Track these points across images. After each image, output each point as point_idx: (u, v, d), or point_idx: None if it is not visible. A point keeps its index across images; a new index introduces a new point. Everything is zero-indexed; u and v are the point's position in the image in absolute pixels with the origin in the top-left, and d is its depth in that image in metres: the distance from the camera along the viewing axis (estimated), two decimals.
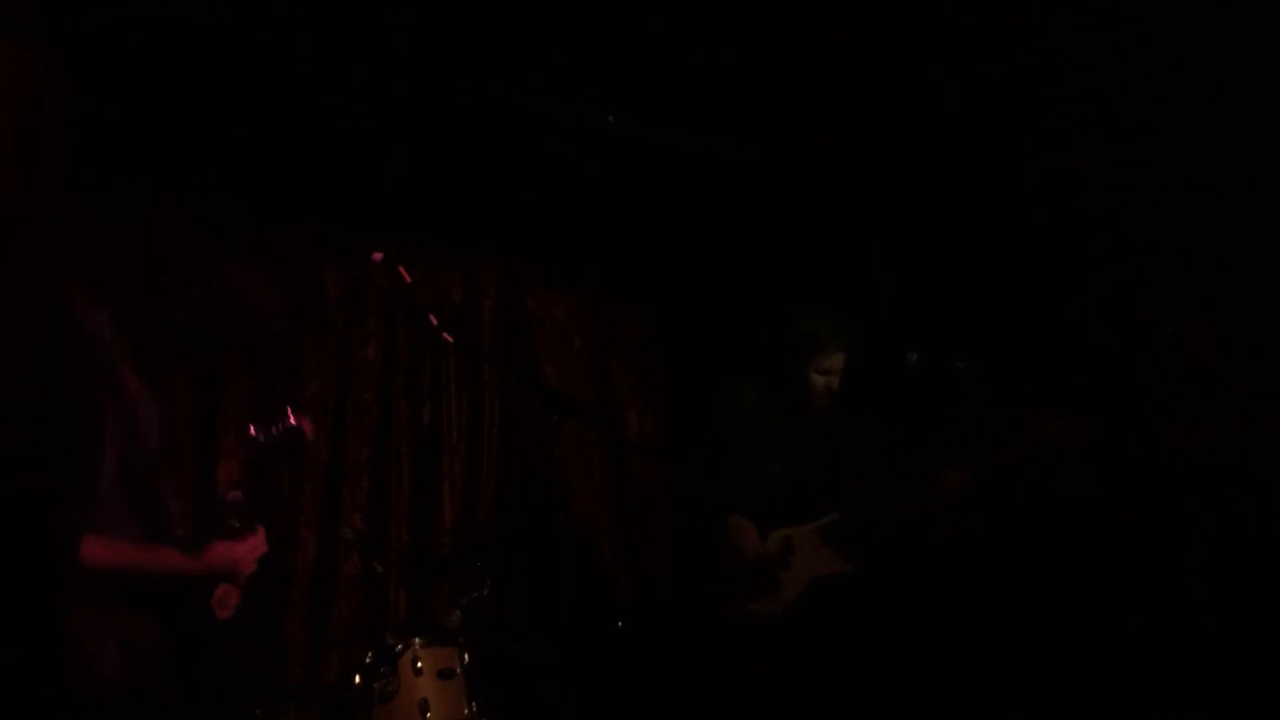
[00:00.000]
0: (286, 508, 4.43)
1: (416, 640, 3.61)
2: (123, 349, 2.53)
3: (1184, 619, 3.75)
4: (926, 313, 4.65)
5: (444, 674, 3.59)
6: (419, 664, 3.56)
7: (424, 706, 3.50)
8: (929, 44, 4.10)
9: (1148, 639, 3.81)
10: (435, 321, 3.47)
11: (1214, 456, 3.79)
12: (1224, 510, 3.75)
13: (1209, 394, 3.82)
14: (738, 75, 4.27)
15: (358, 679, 3.58)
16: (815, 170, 4.87)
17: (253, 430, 2.85)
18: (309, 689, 4.16)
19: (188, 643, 2.48)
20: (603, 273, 5.37)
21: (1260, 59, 3.68)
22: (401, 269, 2.91)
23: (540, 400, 2.97)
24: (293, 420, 2.85)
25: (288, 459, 4.43)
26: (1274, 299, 3.68)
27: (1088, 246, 4.23)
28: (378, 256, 2.85)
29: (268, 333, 4.30)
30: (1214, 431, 3.80)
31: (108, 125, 3.69)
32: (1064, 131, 4.25)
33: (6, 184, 3.10)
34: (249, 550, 2.57)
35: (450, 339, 4.43)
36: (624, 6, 3.87)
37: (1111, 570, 4.00)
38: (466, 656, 3.65)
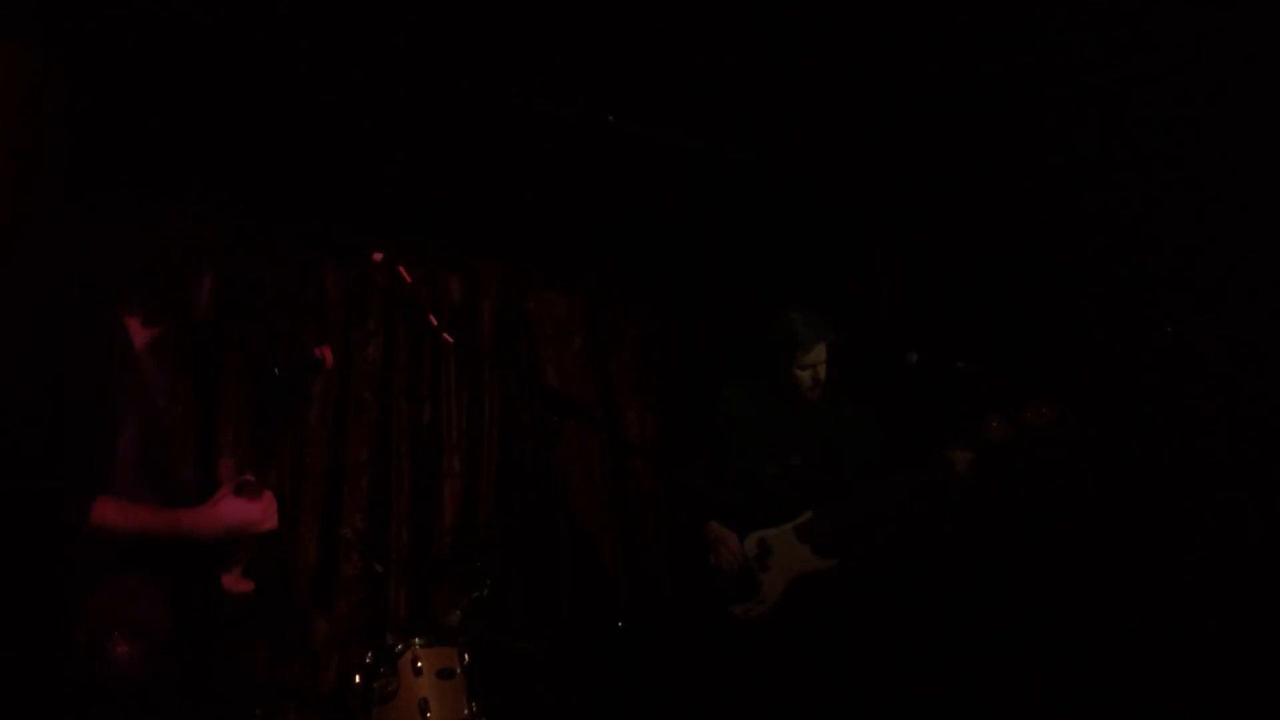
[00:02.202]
0: (286, 508, 4.43)
1: (416, 640, 3.61)
2: (136, 332, 2.54)
3: (1184, 619, 3.75)
4: (926, 313, 4.65)
5: (444, 674, 3.58)
6: (419, 664, 3.55)
7: (424, 706, 3.50)
8: (929, 44, 4.09)
9: (1148, 639, 3.81)
10: (435, 321, 3.47)
11: (1214, 456, 3.78)
12: (1224, 510, 3.75)
13: (1209, 394, 3.82)
14: (738, 75, 4.27)
15: (358, 679, 3.58)
16: (815, 170, 4.87)
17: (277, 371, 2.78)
18: (309, 689, 4.16)
19: (198, 626, 2.46)
20: (603, 273, 5.37)
21: (1260, 59, 3.68)
22: (401, 269, 2.90)
23: (540, 400, 2.97)
24: (316, 352, 2.78)
25: (309, 395, 4.41)
26: (1274, 299, 3.68)
27: (1088, 246, 4.23)
28: (378, 256, 2.84)
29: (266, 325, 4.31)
30: (1214, 431, 3.80)
31: (108, 125, 3.69)
32: (1064, 131, 4.25)
33: (6, 183, 3.09)
34: (264, 509, 2.50)
35: (450, 339, 4.41)
36: (624, 6, 3.87)
37: (1111, 570, 4.00)
38: (466, 656, 3.65)
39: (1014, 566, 4.23)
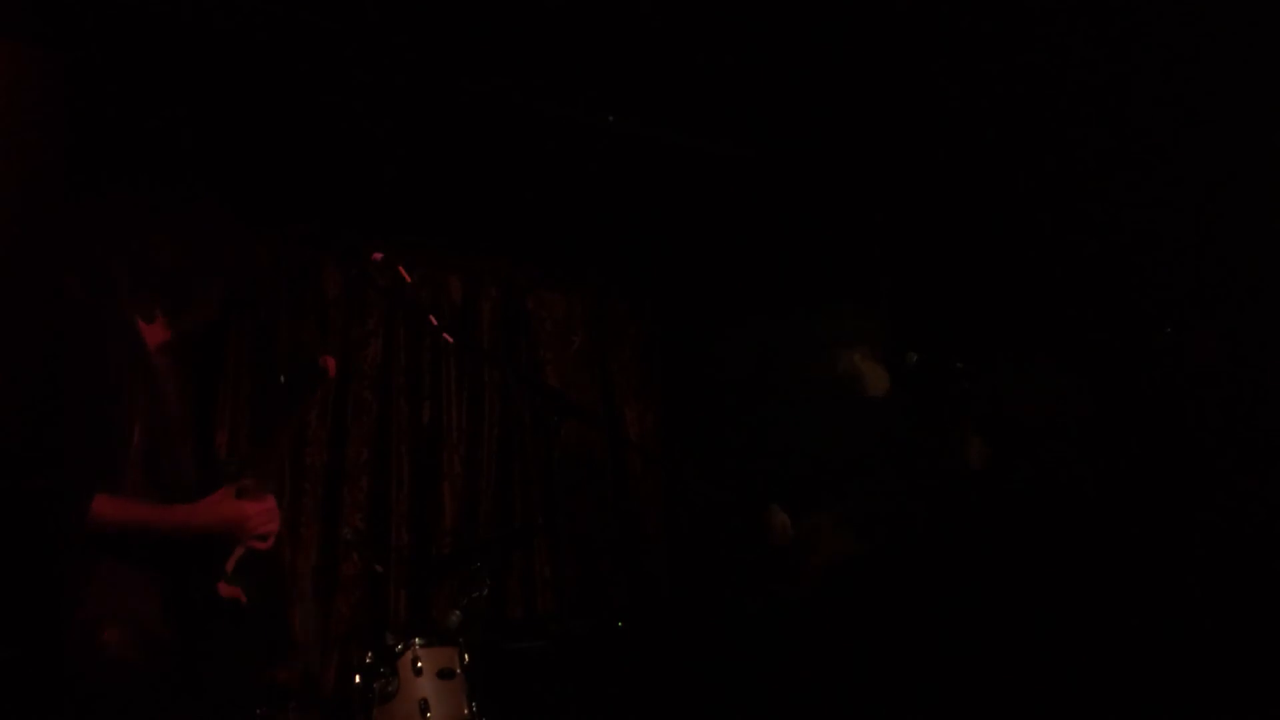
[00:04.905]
0: (287, 508, 4.43)
1: (416, 640, 3.62)
2: (149, 333, 2.54)
3: (1184, 619, 3.75)
4: (926, 313, 4.65)
5: (444, 674, 3.59)
6: (419, 664, 3.56)
7: (424, 706, 3.50)
8: (929, 44, 4.10)
9: (1148, 639, 3.81)
10: (435, 321, 3.47)
11: (1214, 456, 3.78)
12: (1224, 510, 3.75)
13: (1209, 394, 3.82)
14: (738, 75, 4.27)
15: (358, 679, 3.58)
16: (815, 170, 4.87)
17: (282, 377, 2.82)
18: (309, 689, 4.16)
19: (193, 619, 2.46)
20: (603, 272, 5.37)
21: (1260, 59, 3.68)
22: (401, 269, 2.90)
23: (540, 400, 2.97)
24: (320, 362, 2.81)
25: (310, 403, 4.41)
26: (1274, 299, 3.68)
27: (1088, 246, 4.23)
28: (378, 256, 2.85)
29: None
30: (1214, 431, 3.80)
31: (108, 125, 3.69)
32: (1064, 131, 4.25)
33: (6, 183, 3.10)
34: (260, 511, 2.53)
35: (450, 339, 4.43)
36: (624, 6, 3.87)
37: (1111, 569, 4.00)
38: (466, 656, 3.66)
39: (1013, 566, 4.22)
